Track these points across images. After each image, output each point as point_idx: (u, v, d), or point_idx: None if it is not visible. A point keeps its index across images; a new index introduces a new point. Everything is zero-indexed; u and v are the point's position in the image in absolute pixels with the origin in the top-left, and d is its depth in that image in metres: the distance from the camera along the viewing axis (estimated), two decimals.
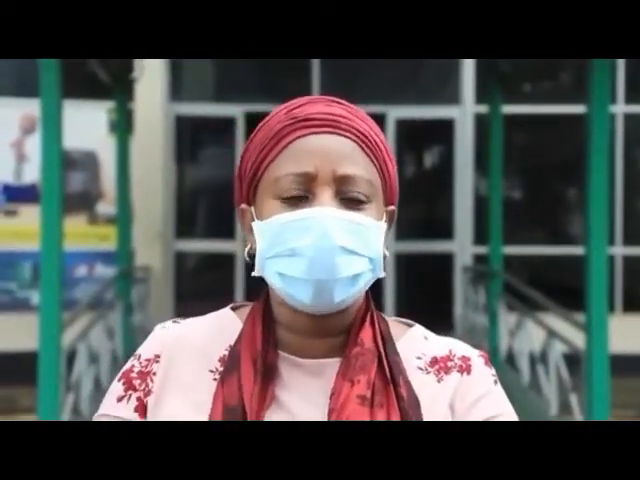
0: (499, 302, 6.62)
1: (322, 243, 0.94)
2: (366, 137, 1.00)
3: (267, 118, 1.03)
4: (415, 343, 1.06)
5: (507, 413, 1.02)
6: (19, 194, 7.44)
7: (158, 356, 1.03)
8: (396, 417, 0.96)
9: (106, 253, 7.32)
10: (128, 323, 6.50)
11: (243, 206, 1.03)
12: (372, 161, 1.00)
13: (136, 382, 1.02)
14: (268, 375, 0.98)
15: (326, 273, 0.94)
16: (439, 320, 7.43)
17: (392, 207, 1.04)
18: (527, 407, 5.13)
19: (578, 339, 4.77)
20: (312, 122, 0.99)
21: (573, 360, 4.97)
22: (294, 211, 0.96)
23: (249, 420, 0.95)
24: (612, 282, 7.12)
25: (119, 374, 1.05)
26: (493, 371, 1.06)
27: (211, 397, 0.98)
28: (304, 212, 0.96)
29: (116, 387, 1.03)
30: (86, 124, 7.23)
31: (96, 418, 1.03)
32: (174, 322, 1.08)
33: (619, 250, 7.79)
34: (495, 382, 1.05)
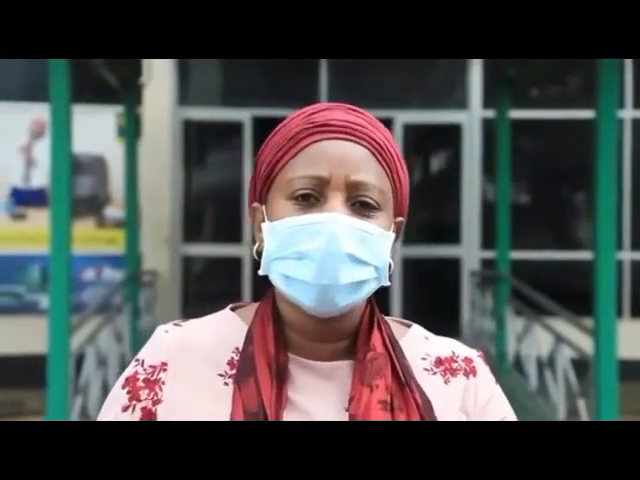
0: (506, 307, 6.61)
1: (330, 248, 0.95)
2: (381, 146, 1.01)
3: (286, 120, 1.04)
4: (417, 343, 1.08)
5: (511, 413, 1.07)
6: (28, 198, 7.47)
7: (165, 363, 1.02)
8: (416, 419, 0.98)
9: (114, 257, 7.34)
10: (136, 327, 6.52)
11: (255, 204, 1.04)
12: (385, 170, 1.01)
13: (142, 392, 1.01)
14: (282, 378, 0.99)
15: (331, 278, 0.95)
16: (446, 325, 7.42)
17: (401, 218, 1.05)
18: (535, 412, 5.12)
19: (586, 344, 4.76)
20: (329, 128, 1.00)
21: (581, 365, 4.96)
22: (304, 215, 0.97)
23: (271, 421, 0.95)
24: (620, 287, 7.09)
25: (121, 380, 1.03)
26: (489, 370, 1.09)
27: (225, 402, 0.98)
28: (314, 217, 0.96)
29: (120, 395, 1.02)
30: (94, 129, 7.25)
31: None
32: (175, 325, 1.07)
33: (627, 255, 7.76)
34: (495, 382, 1.09)
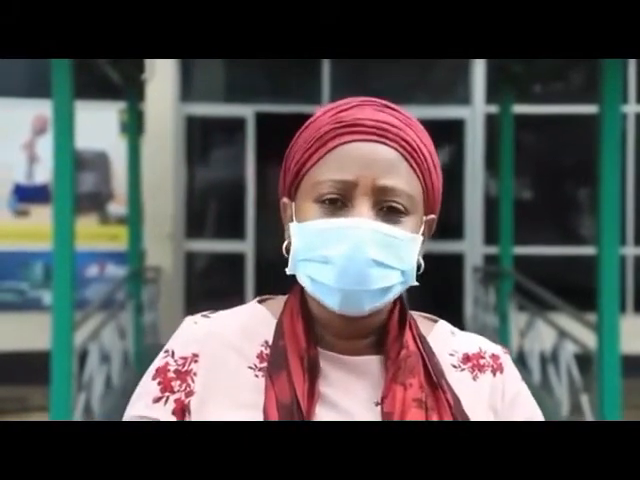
0: (510, 302, 6.61)
1: (355, 254, 0.94)
2: (413, 148, 0.99)
3: (315, 116, 1.02)
4: (444, 339, 1.08)
5: (536, 412, 1.06)
6: (31, 194, 7.48)
7: (196, 355, 1.01)
8: (448, 419, 0.98)
9: (117, 253, 7.34)
10: (139, 323, 6.52)
11: (285, 200, 1.03)
12: (415, 173, 0.99)
13: (175, 383, 1.00)
14: (314, 372, 0.99)
15: (356, 284, 0.95)
16: (449, 320, 7.34)
17: (432, 216, 1.04)
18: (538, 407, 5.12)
19: (589, 339, 4.76)
20: (359, 128, 0.98)
21: (584, 360, 4.96)
22: (331, 219, 0.96)
23: (304, 417, 0.95)
24: (623, 282, 7.09)
25: (152, 371, 1.02)
26: (514, 367, 1.09)
27: (257, 395, 0.98)
28: (340, 221, 0.96)
29: (151, 386, 1.01)
30: (97, 125, 7.25)
31: (129, 418, 1.00)
32: (204, 316, 1.06)
33: (630, 250, 7.75)
34: (521, 379, 1.08)
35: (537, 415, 1.06)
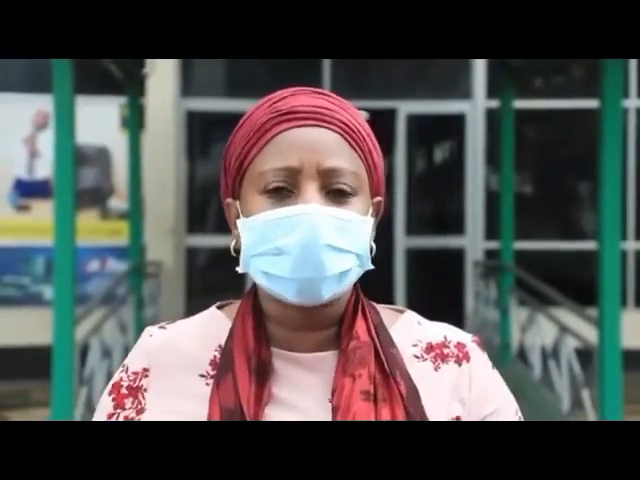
0: (510, 297, 6.61)
1: (309, 241, 0.92)
2: (350, 129, 0.98)
3: (250, 111, 1.02)
4: (409, 329, 1.04)
5: (509, 401, 1.03)
6: (32, 189, 7.48)
7: (147, 370, 1.01)
8: (400, 412, 0.95)
9: (118, 248, 7.35)
10: (140, 318, 6.53)
11: (228, 200, 1.02)
12: (357, 153, 0.98)
13: (127, 400, 1.00)
14: (263, 372, 0.96)
15: (313, 271, 0.93)
16: (450, 315, 7.41)
17: (379, 198, 1.02)
18: (539, 402, 5.13)
19: (590, 334, 4.76)
20: (295, 115, 0.97)
21: (585, 355, 4.96)
22: (279, 208, 0.94)
23: (249, 420, 0.92)
24: (624, 277, 7.09)
25: (109, 386, 1.03)
26: (486, 355, 1.06)
27: (204, 403, 0.96)
28: (289, 210, 0.94)
29: (106, 401, 1.02)
30: (98, 120, 7.25)
31: None
32: (160, 328, 1.06)
33: (631, 245, 7.75)
34: (492, 367, 1.05)
35: (508, 405, 1.03)
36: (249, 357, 0.97)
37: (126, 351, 5.91)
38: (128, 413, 0.99)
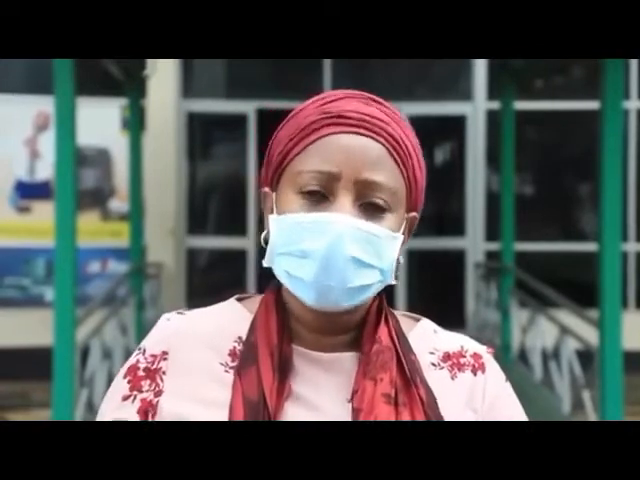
0: (511, 298, 6.61)
1: (334, 250, 0.92)
2: (397, 143, 0.97)
3: (300, 107, 1.01)
4: (425, 337, 1.05)
5: (519, 413, 1.04)
6: (33, 191, 7.48)
7: (166, 352, 1.01)
8: (420, 416, 0.96)
9: (119, 249, 7.35)
10: (141, 319, 6.53)
11: (266, 190, 1.02)
12: (400, 168, 0.97)
13: (144, 382, 1.00)
14: (284, 368, 0.97)
15: (333, 280, 0.93)
16: (451, 317, 7.41)
17: (414, 214, 1.02)
18: (539, 404, 5.12)
19: (591, 335, 4.76)
20: (344, 120, 0.96)
21: (586, 357, 4.96)
22: (311, 212, 0.94)
23: (271, 414, 0.93)
24: (625, 278, 7.08)
25: (124, 369, 1.02)
26: (499, 367, 1.07)
27: (224, 391, 0.97)
28: (321, 216, 0.94)
29: (121, 384, 1.01)
30: (99, 121, 7.25)
31: (101, 415, 1.01)
32: (179, 313, 1.05)
33: (632, 246, 7.75)
34: (506, 379, 1.06)
35: (518, 417, 1.04)
36: (272, 352, 0.97)
37: (127, 352, 5.91)
38: (146, 395, 0.99)
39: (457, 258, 7.91)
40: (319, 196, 0.95)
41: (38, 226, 7.28)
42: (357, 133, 0.96)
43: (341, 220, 0.93)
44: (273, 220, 0.98)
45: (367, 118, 0.96)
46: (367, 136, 0.96)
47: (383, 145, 0.96)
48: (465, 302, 7.92)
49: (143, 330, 6.47)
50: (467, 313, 7.84)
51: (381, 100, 1.00)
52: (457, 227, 7.93)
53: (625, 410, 4.39)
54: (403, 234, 0.99)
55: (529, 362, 5.95)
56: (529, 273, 6.43)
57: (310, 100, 1.01)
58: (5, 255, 7.51)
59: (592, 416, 4.71)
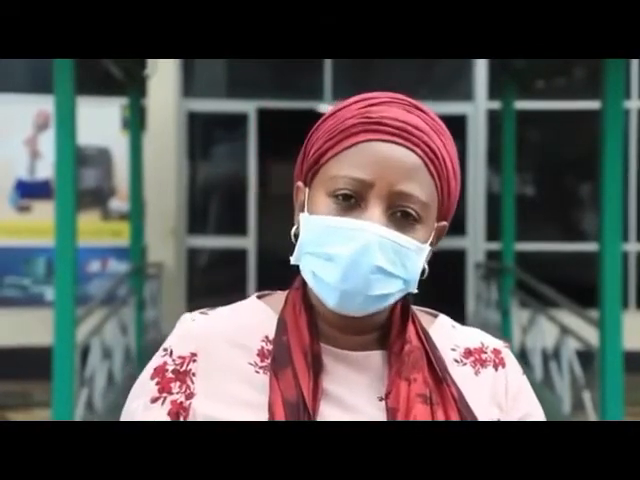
0: (512, 298, 6.61)
1: (360, 258, 0.93)
2: (435, 154, 0.97)
3: (341, 105, 1.00)
4: (445, 333, 1.07)
5: (537, 405, 1.07)
6: (33, 190, 7.48)
7: (194, 354, 1.00)
8: (454, 414, 0.97)
9: (119, 249, 7.35)
10: (141, 319, 6.53)
11: (300, 184, 1.02)
12: (434, 180, 0.97)
13: (174, 384, 0.98)
14: (317, 368, 0.97)
15: (355, 287, 0.94)
16: (451, 316, 7.36)
17: (444, 223, 1.03)
18: (540, 404, 5.12)
19: (591, 336, 4.76)
20: (383, 127, 0.96)
21: (586, 357, 4.96)
22: (341, 216, 0.95)
23: (310, 415, 0.94)
24: (626, 278, 7.08)
25: (150, 370, 1.00)
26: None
27: (259, 393, 0.96)
28: (349, 222, 0.94)
29: (149, 386, 0.99)
30: (99, 121, 7.26)
31: (128, 414, 0.99)
32: (202, 313, 1.04)
33: (633, 246, 7.75)
34: (523, 372, 1.08)
35: (536, 410, 1.06)
36: (305, 352, 0.98)
37: (127, 352, 5.91)
38: (176, 397, 0.98)
39: (458, 258, 7.91)
40: (351, 201, 0.95)
41: (38, 226, 7.28)
42: (394, 142, 0.95)
43: (370, 228, 0.93)
44: (304, 218, 0.98)
45: (407, 127, 0.96)
46: (404, 146, 0.95)
47: (419, 156, 0.96)
48: (465, 302, 7.92)
49: (143, 330, 6.48)
50: (467, 313, 7.85)
51: (423, 107, 1.00)
52: (458, 227, 7.93)
53: (625, 410, 4.39)
54: (431, 244, 1.00)
55: (529, 362, 5.95)
56: (530, 273, 6.43)
57: (352, 99, 1.00)
58: (5, 255, 7.51)
59: (592, 416, 4.71)
